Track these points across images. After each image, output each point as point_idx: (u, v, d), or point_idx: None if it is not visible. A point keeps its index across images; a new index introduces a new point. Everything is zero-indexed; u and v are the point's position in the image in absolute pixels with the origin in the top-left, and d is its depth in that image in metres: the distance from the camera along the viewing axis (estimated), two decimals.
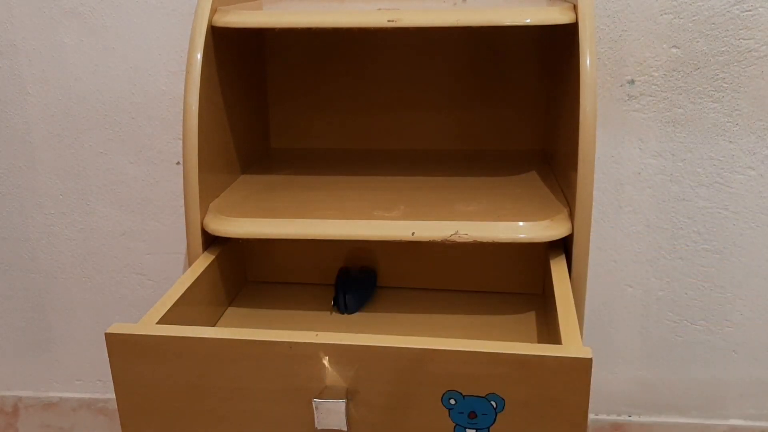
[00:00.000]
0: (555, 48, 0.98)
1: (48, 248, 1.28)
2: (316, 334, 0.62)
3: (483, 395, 0.61)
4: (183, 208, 0.84)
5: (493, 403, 0.61)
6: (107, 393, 1.36)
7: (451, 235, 0.79)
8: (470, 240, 0.79)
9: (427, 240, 0.80)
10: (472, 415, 0.61)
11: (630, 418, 1.27)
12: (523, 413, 0.61)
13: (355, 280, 0.94)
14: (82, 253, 1.27)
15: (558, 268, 0.80)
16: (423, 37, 1.06)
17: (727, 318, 1.18)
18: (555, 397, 0.60)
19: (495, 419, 0.61)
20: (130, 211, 1.24)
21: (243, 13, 0.84)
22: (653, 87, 1.07)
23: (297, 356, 0.62)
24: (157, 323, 0.70)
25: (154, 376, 0.65)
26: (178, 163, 1.20)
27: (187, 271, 0.82)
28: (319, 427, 0.63)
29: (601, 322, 1.21)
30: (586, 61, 0.77)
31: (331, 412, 0.62)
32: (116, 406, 0.67)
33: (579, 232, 0.80)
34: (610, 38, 1.06)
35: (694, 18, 1.04)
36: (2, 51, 1.16)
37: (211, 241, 0.88)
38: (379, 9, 0.81)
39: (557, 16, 0.79)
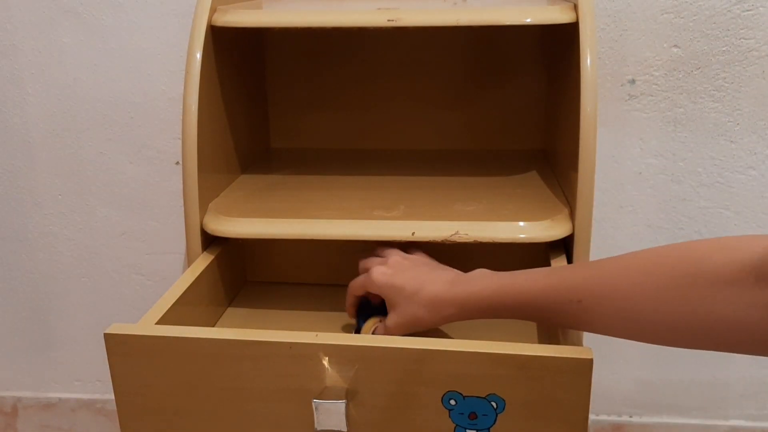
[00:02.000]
0: (555, 47, 0.98)
1: (47, 248, 1.27)
2: (316, 335, 0.62)
3: (483, 396, 0.61)
4: (182, 208, 0.84)
5: (494, 403, 0.61)
6: (106, 393, 1.36)
7: (451, 235, 0.79)
8: (470, 240, 0.79)
9: (427, 240, 0.79)
10: (473, 415, 0.61)
11: (631, 419, 1.26)
12: (523, 414, 0.60)
13: (375, 310, 0.90)
14: (81, 253, 1.27)
15: None
16: (423, 36, 1.05)
17: None
18: (555, 397, 0.60)
19: (495, 420, 0.61)
20: (130, 211, 1.23)
21: (242, 12, 0.84)
22: (654, 86, 1.07)
23: (297, 356, 0.62)
24: (156, 323, 0.70)
25: (153, 376, 0.65)
26: (177, 163, 1.19)
27: (187, 271, 0.81)
28: (318, 428, 0.63)
29: None
30: (587, 60, 0.76)
31: (331, 412, 0.62)
32: (115, 407, 0.66)
33: (579, 232, 0.80)
34: (611, 38, 1.05)
35: (694, 17, 1.03)
36: (1, 51, 1.16)
37: (210, 241, 0.88)
38: (379, 9, 0.81)
39: (557, 15, 0.79)
